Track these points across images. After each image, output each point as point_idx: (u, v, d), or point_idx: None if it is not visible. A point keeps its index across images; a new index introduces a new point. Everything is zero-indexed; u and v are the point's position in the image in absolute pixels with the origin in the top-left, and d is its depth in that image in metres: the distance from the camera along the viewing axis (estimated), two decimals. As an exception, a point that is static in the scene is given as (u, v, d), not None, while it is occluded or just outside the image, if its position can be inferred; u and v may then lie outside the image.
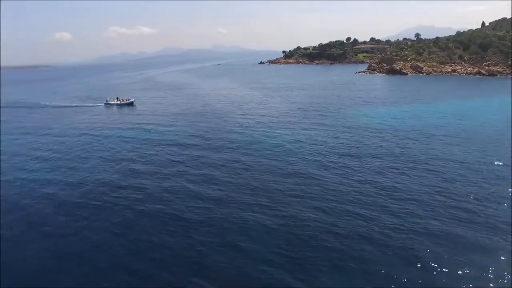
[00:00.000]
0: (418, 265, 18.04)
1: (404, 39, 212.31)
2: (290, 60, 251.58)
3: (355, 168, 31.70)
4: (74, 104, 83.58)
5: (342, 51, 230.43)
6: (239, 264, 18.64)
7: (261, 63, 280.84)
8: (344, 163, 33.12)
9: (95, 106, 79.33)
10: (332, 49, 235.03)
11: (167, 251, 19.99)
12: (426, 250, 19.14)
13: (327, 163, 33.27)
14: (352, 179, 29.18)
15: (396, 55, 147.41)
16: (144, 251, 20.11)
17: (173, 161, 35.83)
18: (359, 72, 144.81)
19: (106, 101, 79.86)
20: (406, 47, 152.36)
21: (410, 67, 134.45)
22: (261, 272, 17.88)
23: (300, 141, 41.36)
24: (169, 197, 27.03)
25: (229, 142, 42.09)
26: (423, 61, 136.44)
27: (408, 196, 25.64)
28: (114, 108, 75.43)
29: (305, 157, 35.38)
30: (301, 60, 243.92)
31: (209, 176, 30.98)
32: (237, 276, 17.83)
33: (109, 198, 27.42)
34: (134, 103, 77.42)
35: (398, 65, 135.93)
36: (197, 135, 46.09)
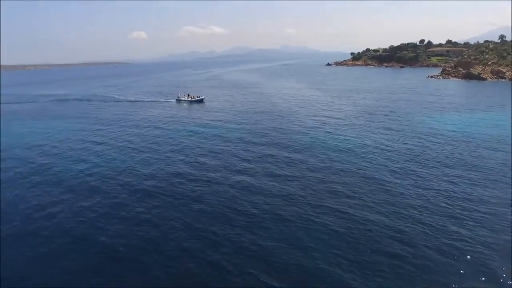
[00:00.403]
0: (490, 281, 17.55)
1: (486, 41, 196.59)
2: (358, 62, 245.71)
3: (423, 175, 30.92)
4: (148, 99, 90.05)
5: (414, 54, 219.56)
6: (299, 261, 19.31)
7: (328, 64, 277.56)
8: (411, 170, 32.42)
9: (167, 101, 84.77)
10: (403, 52, 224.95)
11: (229, 243, 21.17)
12: (502, 267, 18.43)
13: (394, 169, 32.79)
14: (419, 187, 28.56)
15: (475, 59, 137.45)
16: (208, 242, 21.47)
17: (240, 157, 37.55)
18: (431, 76, 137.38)
19: (178, 97, 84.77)
20: (487, 50, 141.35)
21: (490, 71, 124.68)
22: (321, 271, 18.46)
23: (366, 144, 41.01)
24: (234, 193, 28.48)
25: (294, 142, 42.99)
26: (506, 66, 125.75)
27: (480, 209, 24.61)
28: (185, 104, 79.86)
29: (371, 161, 35.12)
30: (370, 63, 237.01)
31: (274, 175, 32.10)
32: (297, 273, 18.47)
33: (178, 189, 29.56)
34: (204, 100, 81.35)
35: (476, 70, 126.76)
36: (263, 134, 47.60)
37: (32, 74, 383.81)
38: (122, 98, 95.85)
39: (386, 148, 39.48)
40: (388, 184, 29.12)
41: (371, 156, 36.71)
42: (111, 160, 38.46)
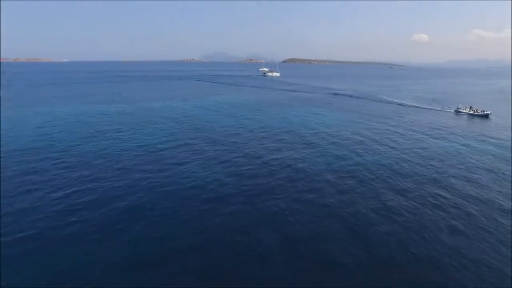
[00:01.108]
0: None
1: None
2: None
3: None
4: (421, 106, 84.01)
5: None
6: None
7: None
8: None
9: (443, 111, 76.44)
10: None
11: None
12: None
13: None
14: None
15: None
16: None
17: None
18: None
19: (457, 108, 75.03)
20: None
21: None
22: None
23: None
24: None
25: None
26: None
27: None
28: (464, 116, 69.76)
29: None
30: None
31: None
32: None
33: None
34: (490, 116, 68.58)
35: None
36: None
37: (313, 68, 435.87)
38: (394, 100, 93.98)
39: None
40: None
41: None
42: (374, 156, 37.29)
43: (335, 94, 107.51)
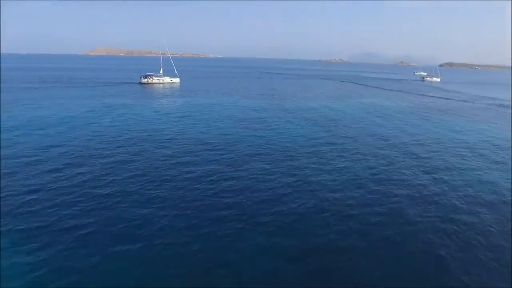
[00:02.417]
0: None
1: None
2: None
3: None
4: None
5: None
6: None
7: None
8: None
9: None
10: None
11: None
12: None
13: None
14: None
15: None
16: None
17: None
18: None
19: None
20: None
21: None
22: None
23: None
24: None
25: None
26: None
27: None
28: None
29: None
30: None
31: None
32: None
33: None
34: None
35: None
36: None
37: (478, 73, 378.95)
38: None
39: None
40: None
41: None
42: None
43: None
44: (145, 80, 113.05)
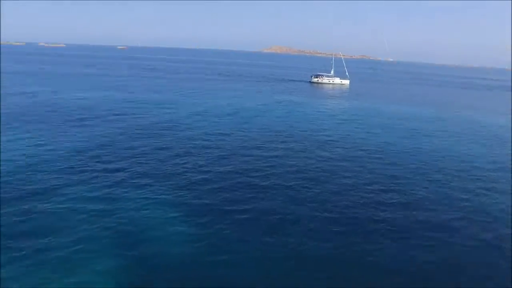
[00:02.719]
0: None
1: None
2: None
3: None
4: None
5: None
6: None
7: None
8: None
9: None
10: None
11: None
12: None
13: None
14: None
15: None
16: None
17: None
18: None
19: None
20: None
21: None
22: None
23: None
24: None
25: None
26: None
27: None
28: None
29: None
30: None
31: None
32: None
33: None
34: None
35: None
36: None
37: None
38: None
39: None
40: None
41: None
42: None
43: None
44: (316, 79, 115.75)
